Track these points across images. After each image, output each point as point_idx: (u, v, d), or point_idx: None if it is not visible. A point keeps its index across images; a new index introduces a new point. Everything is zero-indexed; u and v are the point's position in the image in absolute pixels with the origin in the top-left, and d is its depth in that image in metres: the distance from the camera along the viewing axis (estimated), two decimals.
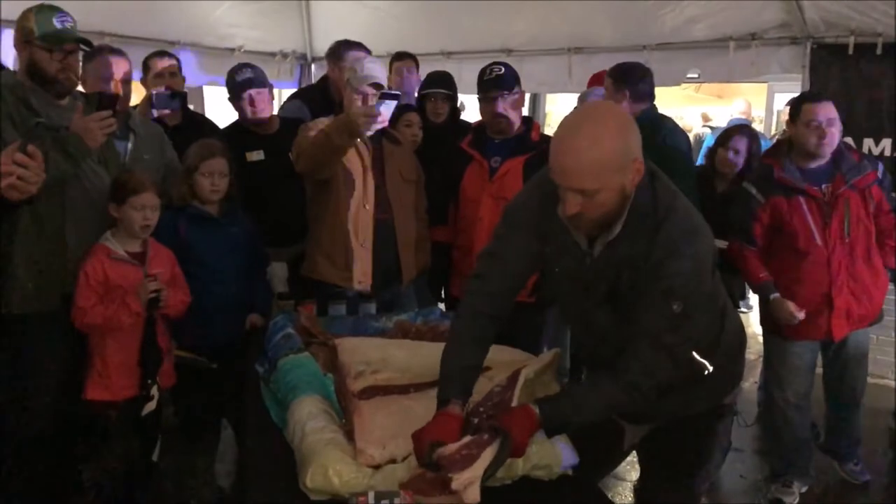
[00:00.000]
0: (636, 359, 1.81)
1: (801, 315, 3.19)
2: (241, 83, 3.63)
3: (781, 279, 3.26)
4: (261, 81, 3.66)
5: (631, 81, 3.56)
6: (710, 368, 1.96)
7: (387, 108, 2.88)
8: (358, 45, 4.20)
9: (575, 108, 1.84)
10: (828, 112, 3.15)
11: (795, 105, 3.27)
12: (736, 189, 3.47)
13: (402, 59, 4.53)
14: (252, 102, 3.61)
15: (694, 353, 1.92)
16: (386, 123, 3.00)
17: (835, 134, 3.16)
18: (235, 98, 3.68)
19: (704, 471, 2.19)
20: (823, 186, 3.20)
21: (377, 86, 3.08)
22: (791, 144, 3.29)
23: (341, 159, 3.03)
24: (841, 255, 3.20)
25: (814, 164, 3.22)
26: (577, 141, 1.71)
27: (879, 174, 3.25)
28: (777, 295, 3.22)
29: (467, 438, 1.77)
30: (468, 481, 1.68)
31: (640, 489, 2.29)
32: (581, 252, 1.89)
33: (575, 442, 1.98)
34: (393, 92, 2.99)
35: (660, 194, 1.81)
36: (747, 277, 3.40)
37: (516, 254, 1.98)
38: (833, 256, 3.19)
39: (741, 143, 3.80)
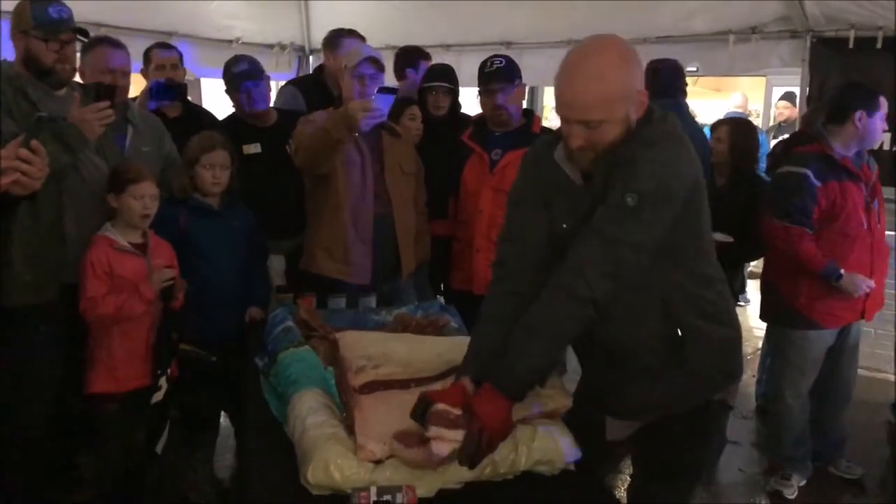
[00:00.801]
0: (571, 255, 1.75)
1: (870, 283, 3.24)
2: (238, 75, 3.60)
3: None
4: (257, 73, 3.63)
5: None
6: (680, 335, 1.88)
7: (384, 103, 2.86)
8: (353, 34, 4.17)
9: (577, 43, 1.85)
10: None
11: (869, 98, 3.31)
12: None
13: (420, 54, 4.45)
14: (248, 95, 3.59)
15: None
16: (384, 118, 2.98)
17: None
18: (232, 90, 3.67)
19: (695, 469, 2.14)
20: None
21: (373, 61, 3.06)
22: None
23: (341, 153, 3.02)
24: (880, 237, 3.29)
25: (852, 151, 3.29)
26: (582, 73, 1.74)
27: None
28: (844, 272, 3.21)
29: (461, 411, 1.77)
30: (441, 436, 1.70)
31: (631, 488, 2.25)
32: (580, 194, 1.86)
33: None
34: (390, 86, 2.98)
35: (653, 116, 1.81)
36: (809, 262, 3.23)
37: (527, 229, 1.98)
38: (874, 239, 3.27)
39: (723, 132, 3.83)
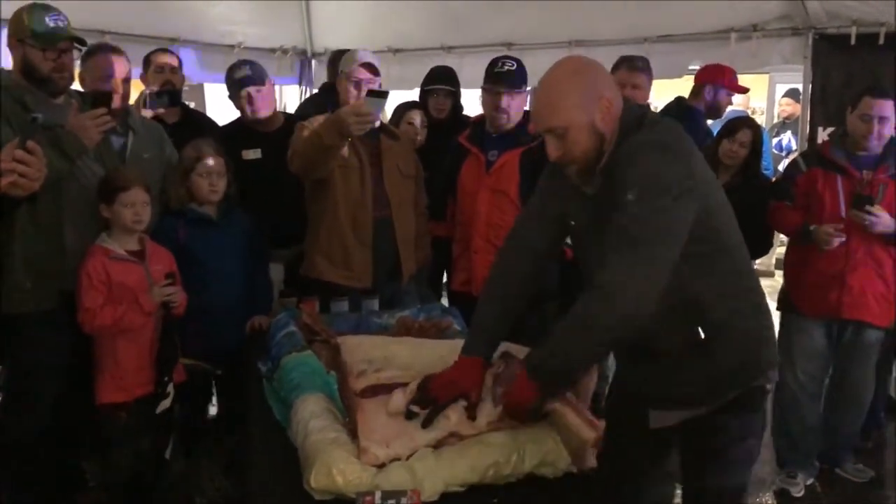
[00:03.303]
0: (603, 265, 1.79)
1: (840, 235, 3.25)
2: (239, 81, 3.55)
3: (801, 251, 3.43)
4: (259, 78, 3.57)
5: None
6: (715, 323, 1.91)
7: (376, 107, 2.83)
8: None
9: None
10: (882, 109, 3.26)
11: (857, 96, 3.37)
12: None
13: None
14: (250, 100, 3.54)
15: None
16: (377, 122, 2.95)
17: (885, 130, 3.28)
18: (234, 96, 3.62)
19: (746, 456, 2.11)
20: (865, 172, 3.30)
21: (369, 66, 3.05)
22: (846, 132, 3.41)
23: (335, 158, 3.00)
24: (862, 235, 3.27)
25: (863, 153, 3.32)
26: (542, 87, 1.91)
27: None
28: (815, 226, 3.31)
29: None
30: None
31: (685, 483, 2.23)
32: (589, 201, 1.95)
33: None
34: (381, 90, 2.95)
35: (629, 118, 1.89)
36: (785, 226, 3.54)
37: (531, 228, 2.17)
38: (853, 234, 3.26)
39: (746, 136, 3.80)
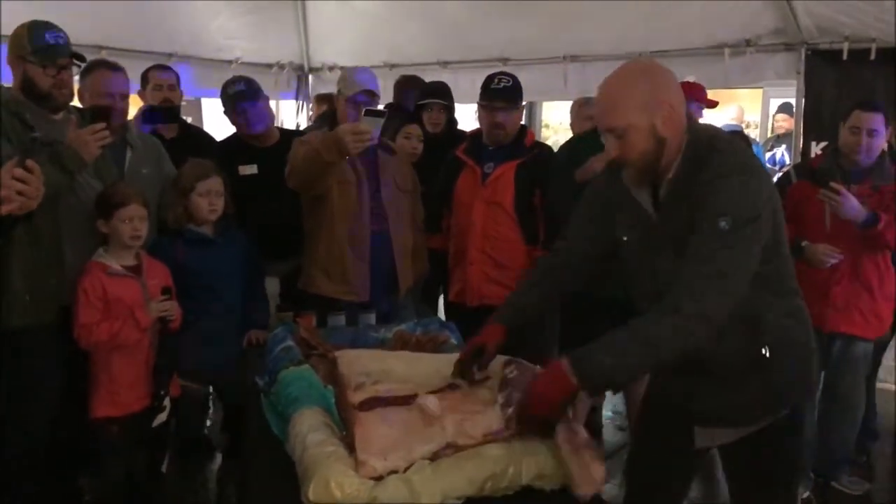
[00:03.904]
0: (680, 281, 1.79)
1: (836, 255, 3.23)
2: (233, 96, 3.57)
3: None
4: (253, 94, 3.59)
5: None
6: (767, 349, 1.92)
7: (373, 125, 2.85)
8: None
9: None
10: (871, 122, 3.26)
11: (849, 109, 3.38)
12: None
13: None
14: (245, 116, 3.55)
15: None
16: (375, 141, 2.96)
17: (873, 143, 3.28)
18: (229, 111, 3.63)
19: (794, 474, 2.14)
20: (852, 185, 3.28)
21: (369, 93, 3.08)
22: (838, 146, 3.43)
23: (333, 175, 3.02)
24: (846, 247, 3.26)
25: (853, 167, 3.33)
26: (606, 85, 1.92)
27: None
28: (807, 242, 3.28)
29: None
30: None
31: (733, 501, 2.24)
32: (646, 214, 1.97)
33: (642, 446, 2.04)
34: (378, 109, 2.98)
35: (699, 135, 1.90)
36: None
37: (581, 238, 2.19)
38: (836, 245, 3.25)
39: None
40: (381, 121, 2.90)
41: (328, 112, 5.02)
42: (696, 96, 4.37)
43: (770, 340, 1.93)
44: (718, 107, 4.58)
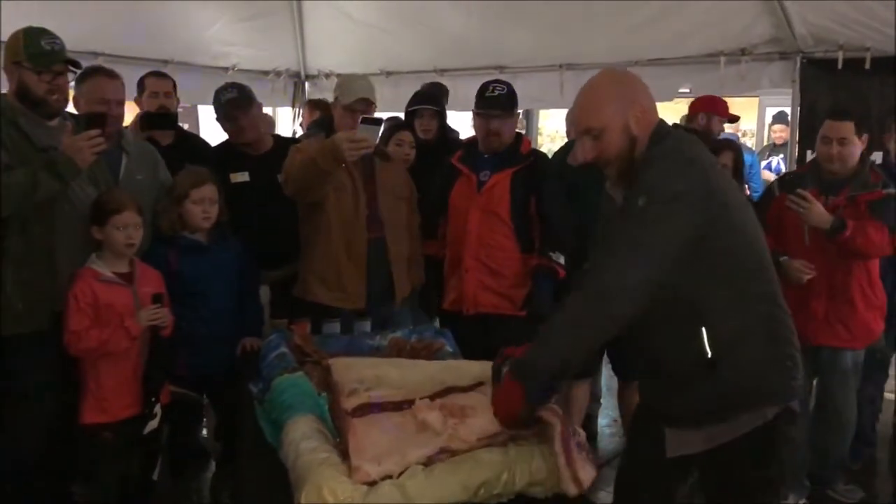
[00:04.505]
0: (600, 266, 1.91)
1: (810, 272, 3.21)
2: (226, 103, 3.52)
3: None
4: (246, 101, 3.54)
5: None
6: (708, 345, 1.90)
7: (371, 134, 2.86)
8: None
9: None
10: (841, 131, 3.24)
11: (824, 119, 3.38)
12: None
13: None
14: (237, 122, 3.51)
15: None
16: (371, 149, 2.96)
17: (845, 152, 3.24)
18: (221, 118, 3.59)
19: (769, 485, 2.10)
20: (830, 197, 3.26)
21: (366, 101, 3.09)
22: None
23: (330, 183, 3.01)
24: (824, 260, 3.23)
25: (832, 177, 3.30)
26: (581, 93, 2.05)
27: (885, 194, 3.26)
28: (786, 257, 3.25)
29: None
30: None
31: None
32: (617, 207, 2.04)
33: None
34: (375, 118, 2.98)
35: (659, 132, 1.99)
36: None
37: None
38: (815, 259, 3.23)
39: (728, 158, 3.84)
40: (379, 129, 2.91)
41: (323, 118, 5.02)
42: (718, 110, 4.52)
43: (714, 342, 1.90)
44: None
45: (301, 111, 6.18)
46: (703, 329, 1.90)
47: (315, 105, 5.55)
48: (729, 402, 1.94)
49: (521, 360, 1.91)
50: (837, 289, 3.29)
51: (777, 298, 2.01)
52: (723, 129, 4.71)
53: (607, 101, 1.98)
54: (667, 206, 1.84)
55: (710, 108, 4.53)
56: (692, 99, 4.78)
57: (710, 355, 1.90)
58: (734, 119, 4.75)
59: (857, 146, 3.26)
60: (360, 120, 2.87)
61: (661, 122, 2.03)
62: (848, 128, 3.24)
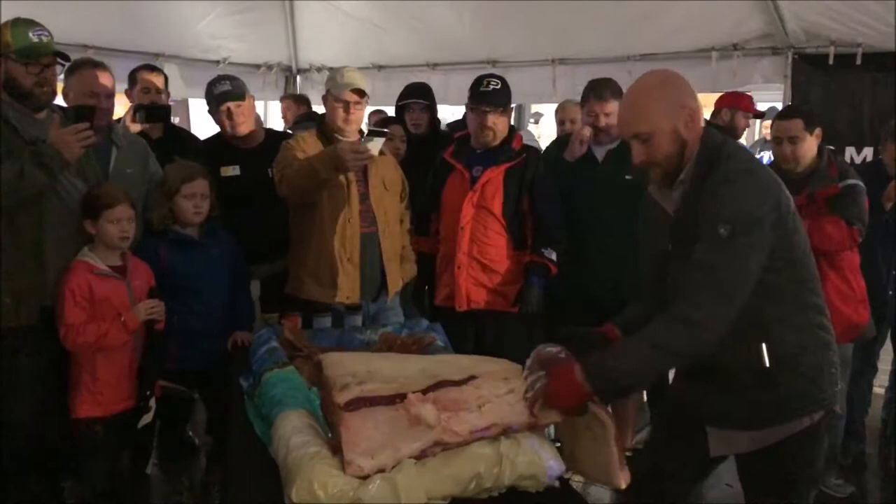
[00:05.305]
0: (684, 289, 1.89)
1: None
2: (219, 96, 3.49)
3: None
4: (239, 94, 3.52)
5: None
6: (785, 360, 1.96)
7: (374, 145, 2.86)
8: None
9: None
10: (790, 130, 3.25)
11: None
12: None
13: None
14: (230, 116, 3.48)
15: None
16: (374, 159, 2.96)
17: (797, 150, 3.24)
18: (214, 111, 3.56)
19: (809, 481, 2.16)
20: (793, 197, 3.23)
21: (359, 91, 3.08)
22: None
23: (328, 189, 3.01)
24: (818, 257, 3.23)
25: (790, 176, 3.22)
26: (627, 96, 2.09)
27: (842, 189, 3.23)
28: None
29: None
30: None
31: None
32: (668, 217, 2.06)
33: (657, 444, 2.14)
34: (380, 129, 2.98)
35: (709, 140, 1.99)
36: None
37: (643, 258, 2.24)
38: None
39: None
40: (382, 140, 2.94)
41: (311, 113, 5.00)
42: (743, 105, 4.56)
43: (775, 354, 1.96)
44: (707, 109, 4.63)
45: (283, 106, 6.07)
46: (765, 343, 1.96)
47: (297, 100, 5.52)
48: (782, 408, 2.00)
49: (597, 365, 1.90)
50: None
51: (825, 308, 2.08)
52: (748, 125, 4.79)
53: (656, 105, 1.97)
54: (751, 237, 1.86)
55: (734, 104, 4.60)
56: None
57: (768, 366, 1.96)
58: (759, 115, 4.80)
59: (809, 143, 3.25)
60: (365, 132, 2.91)
61: (708, 127, 2.04)
62: (796, 125, 3.23)
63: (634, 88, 2.06)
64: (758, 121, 8.37)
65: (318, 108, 3.47)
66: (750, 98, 4.65)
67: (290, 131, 4.24)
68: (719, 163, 1.94)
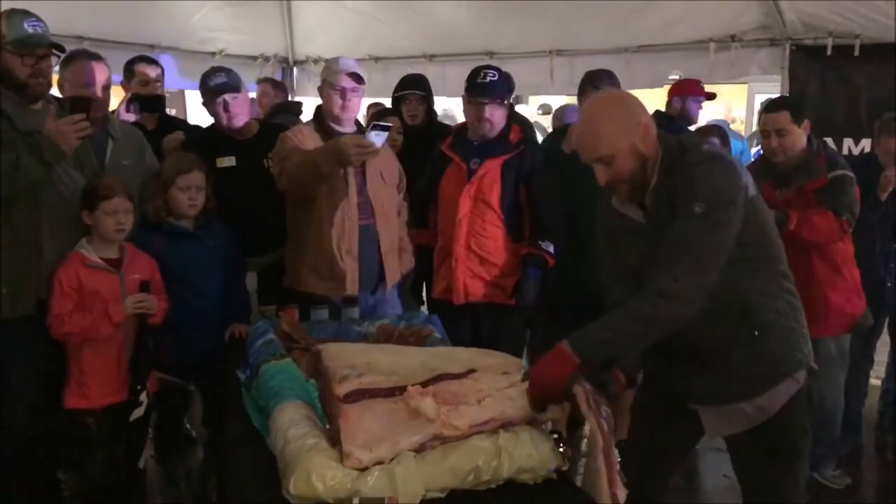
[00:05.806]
0: (661, 263, 1.96)
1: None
2: (214, 88, 3.45)
3: None
4: (235, 86, 3.49)
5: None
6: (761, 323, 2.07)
7: (378, 139, 2.85)
8: None
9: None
10: (778, 122, 3.24)
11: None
12: None
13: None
14: (226, 107, 3.44)
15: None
16: (377, 154, 2.95)
17: (785, 143, 3.23)
18: (209, 103, 3.52)
19: (798, 449, 2.27)
20: (782, 190, 3.26)
21: (355, 76, 3.06)
22: None
23: (328, 183, 3.00)
24: (792, 255, 3.20)
25: (779, 168, 3.28)
26: (583, 122, 2.14)
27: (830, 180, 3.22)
28: None
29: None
30: None
31: (741, 473, 2.33)
32: (639, 225, 2.11)
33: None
34: (384, 123, 2.97)
35: (668, 144, 2.06)
36: None
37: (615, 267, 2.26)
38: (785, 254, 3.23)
39: (714, 142, 3.84)
40: (386, 134, 2.94)
41: (288, 103, 4.96)
42: (692, 91, 4.52)
43: (760, 323, 2.08)
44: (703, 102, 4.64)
45: (291, 97, 6.05)
46: (749, 313, 2.07)
47: (275, 85, 5.44)
48: (771, 371, 2.12)
49: (583, 336, 1.96)
50: (801, 282, 3.26)
51: (790, 274, 2.21)
52: (701, 108, 4.76)
53: (610, 127, 2.02)
54: (726, 212, 1.95)
55: (683, 92, 4.61)
56: None
57: (756, 334, 2.07)
58: (711, 96, 4.75)
59: (796, 135, 3.24)
60: (370, 126, 2.91)
61: (658, 132, 2.09)
62: (783, 118, 3.22)
63: (587, 114, 2.14)
64: (755, 113, 8.42)
65: (315, 101, 3.43)
66: (698, 82, 4.65)
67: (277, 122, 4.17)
68: (684, 155, 2.02)
